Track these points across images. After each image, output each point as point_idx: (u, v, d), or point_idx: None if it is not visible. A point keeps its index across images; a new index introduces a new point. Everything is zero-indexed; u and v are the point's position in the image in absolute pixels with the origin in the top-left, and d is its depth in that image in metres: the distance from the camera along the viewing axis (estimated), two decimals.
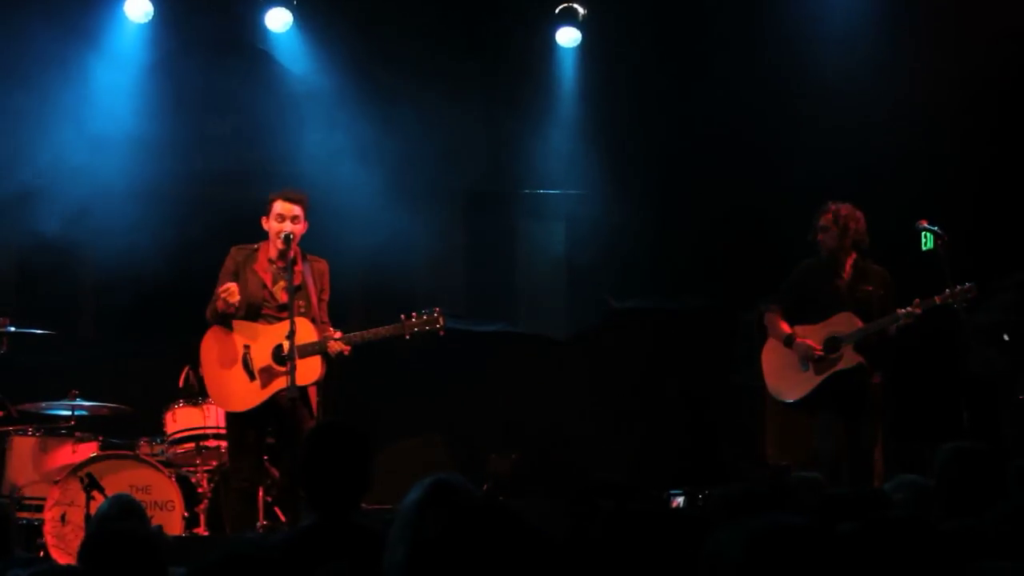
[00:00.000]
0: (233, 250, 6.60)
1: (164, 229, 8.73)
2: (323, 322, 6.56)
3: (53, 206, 8.48)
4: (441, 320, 6.55)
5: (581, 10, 9.20)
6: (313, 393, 6.53)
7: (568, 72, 9.55)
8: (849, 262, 7.05)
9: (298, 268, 6.53)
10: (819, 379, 6.98)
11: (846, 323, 6.95)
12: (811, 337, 7.00)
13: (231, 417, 6.59)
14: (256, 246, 6.59)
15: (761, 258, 8.69)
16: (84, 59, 8.68)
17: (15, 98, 8.54)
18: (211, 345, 6.54)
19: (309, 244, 6.73)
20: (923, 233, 6.95)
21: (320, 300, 6.59)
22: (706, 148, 9.25)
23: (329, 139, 9.05)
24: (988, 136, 8.68)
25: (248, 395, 6.43)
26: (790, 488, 4.12)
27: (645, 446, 9.09)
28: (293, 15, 8.96)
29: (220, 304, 6.39)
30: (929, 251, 6.90)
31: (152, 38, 8.88)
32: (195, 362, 7.09)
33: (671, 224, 9.52)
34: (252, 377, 6.41)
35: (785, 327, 7.09)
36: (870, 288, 7.01)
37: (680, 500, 7.53)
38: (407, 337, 6.55)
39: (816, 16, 8.93)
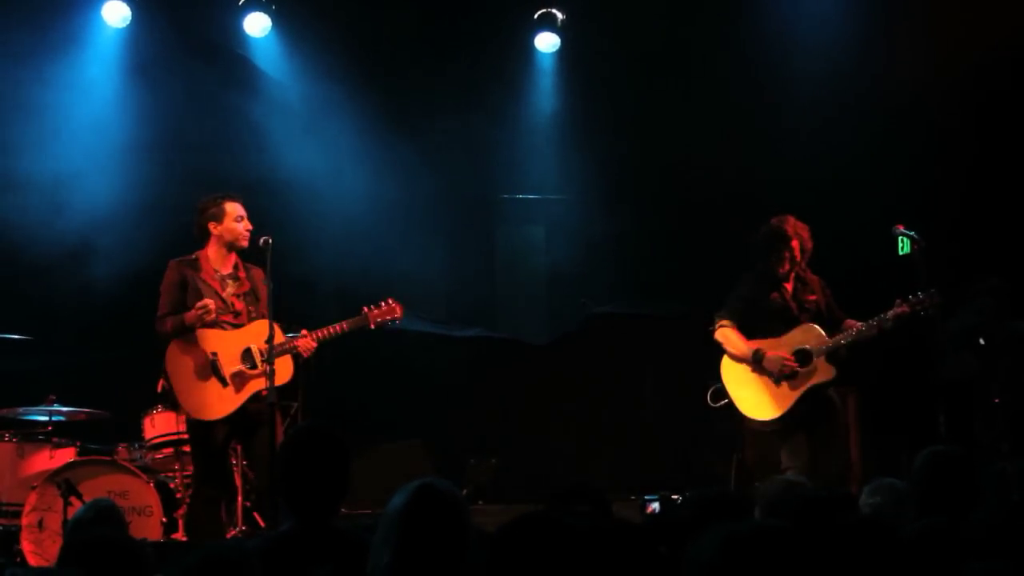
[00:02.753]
0: (174, 263, 6.51)
1: (142, 234, 8.70)
2: None
3: (29, 212, 8.45)
4: (398, 310, 6.60)
5: (560, 15, 9.23)
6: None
7: (547, 77, 9.57)
8: (792, 273, 7.02)
9: (241, 274, 6.53)
10: (796, 393, 6.82)
11: (812, 335, 6.84)
12: (778, 351, 6.85)
13: (195, 425, 6.50)
14: (194, 256, 6.52)
15: (740, 263, 8.71)
16: (61, 63, 8.66)
17: None
18: (177, 358, 6.45)
19: (288, 250, 6.73)
20: (900, 238, 6.93)
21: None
22: (686, 152, 9.28)
23: (307, 145, 9.05)
24: (967, 139, 8.74)
25: (224, 402, 6.40)
26: (766, 491, 4.14)
27: (624, 450, 9.11)
28: (271, 20, 8.96)
29: (192, 316, 6.32)
30: (906, 256, 6.91)
31: (130, 42, 8.86)
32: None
33: (650, 229, 9.55)
34: (225, 384, 6.39)
35: (748, 343, 6.91)
36: (813, 297, 6.99)
37: (655, 506, 7.54)
38: (372, 327, 6.58)
39: (796, 16, 8.98)
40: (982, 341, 7.72)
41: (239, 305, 6.44)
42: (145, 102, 8.84)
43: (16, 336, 7.52)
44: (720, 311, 7.06)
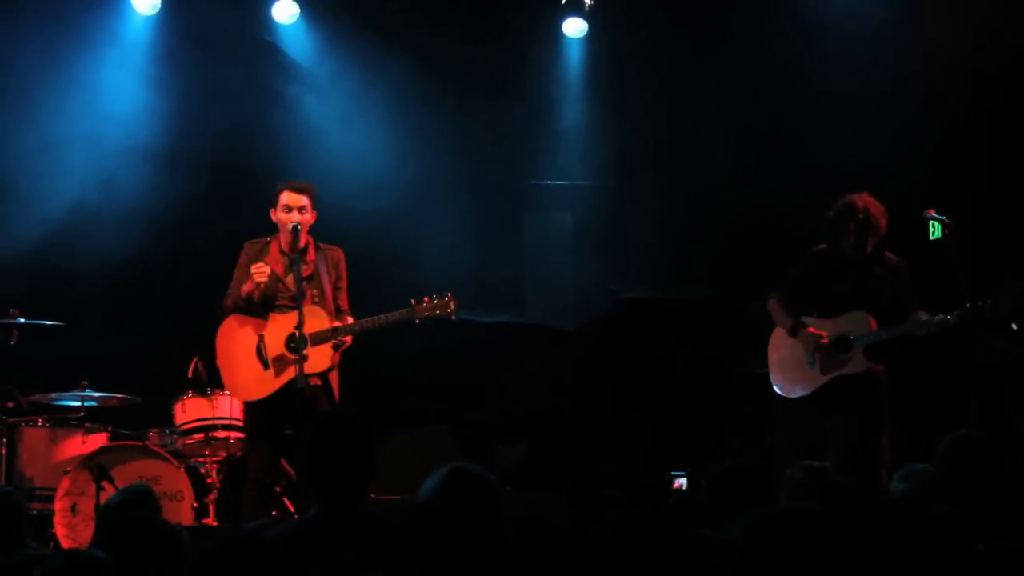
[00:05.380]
0: (246, 245, 6.66)
1: (172, 221, 8.77)
2: (343, 310, 6.59)
3: (61, 199, 8.51)
4: (452, 304, 6.58)
5: (587, 0, 9.20)
6: (335, 381, 6.56)
7: (575, 62, 9.55)
8: (861, 255, 6.79)
9: (310, 258, 6.57)
10: (824, 379, 6.75)
11: (859, 323, 6.70)
12: (818, 330, 6.74)
13: (247, 408, 6.66)
14: (268, 239, 6.65)
15: (768, 248, 8.67)
16: (91, 52, 8.70)
17: (21, 91, 8.58)
18: (226, 335, 6.60)
19: (315, 235, 6.76)
20: (931, 222, 6.83)
21: (336, 288, 6.64)
22: (714, 138, 9.24)
23: (334, 131, 9.07)
24: (998, 122, 8.66)
25: (262, 384, 6.48)
26: (790, 477, 4.13)
27: (652, 437, 9.09)
28: (300, 7, 8.98)
29: (248, 285, 6.42)
30: (937, 240, 6.82)
31: (159, 30, 8.90)
32: (204, 353, 7.13)
33: (678, 214, 9.52)
34: (266, 366, 6.48)
35: (790, 315, 6.83)
36: (879, 283, 6.78)
37: (682, 481, 7.53)
38: (417, 321, 6.58)
39: (827, 2, 8.92)
40: (1014, 326, 7.64)
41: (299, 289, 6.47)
42: (174, 89, 8.88)
43: (48, 322, 7.58)
44: (773, 287, 6.98)
